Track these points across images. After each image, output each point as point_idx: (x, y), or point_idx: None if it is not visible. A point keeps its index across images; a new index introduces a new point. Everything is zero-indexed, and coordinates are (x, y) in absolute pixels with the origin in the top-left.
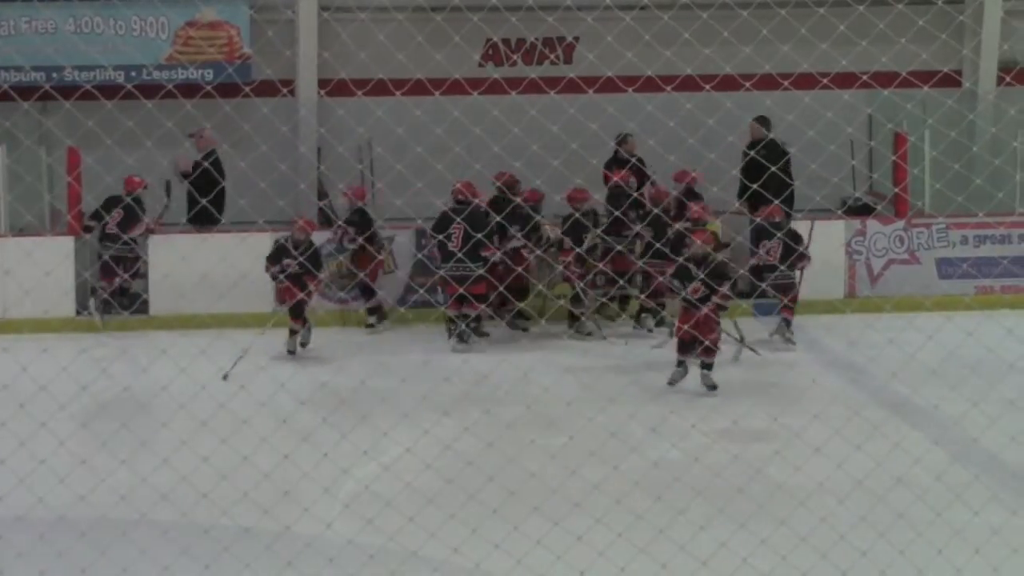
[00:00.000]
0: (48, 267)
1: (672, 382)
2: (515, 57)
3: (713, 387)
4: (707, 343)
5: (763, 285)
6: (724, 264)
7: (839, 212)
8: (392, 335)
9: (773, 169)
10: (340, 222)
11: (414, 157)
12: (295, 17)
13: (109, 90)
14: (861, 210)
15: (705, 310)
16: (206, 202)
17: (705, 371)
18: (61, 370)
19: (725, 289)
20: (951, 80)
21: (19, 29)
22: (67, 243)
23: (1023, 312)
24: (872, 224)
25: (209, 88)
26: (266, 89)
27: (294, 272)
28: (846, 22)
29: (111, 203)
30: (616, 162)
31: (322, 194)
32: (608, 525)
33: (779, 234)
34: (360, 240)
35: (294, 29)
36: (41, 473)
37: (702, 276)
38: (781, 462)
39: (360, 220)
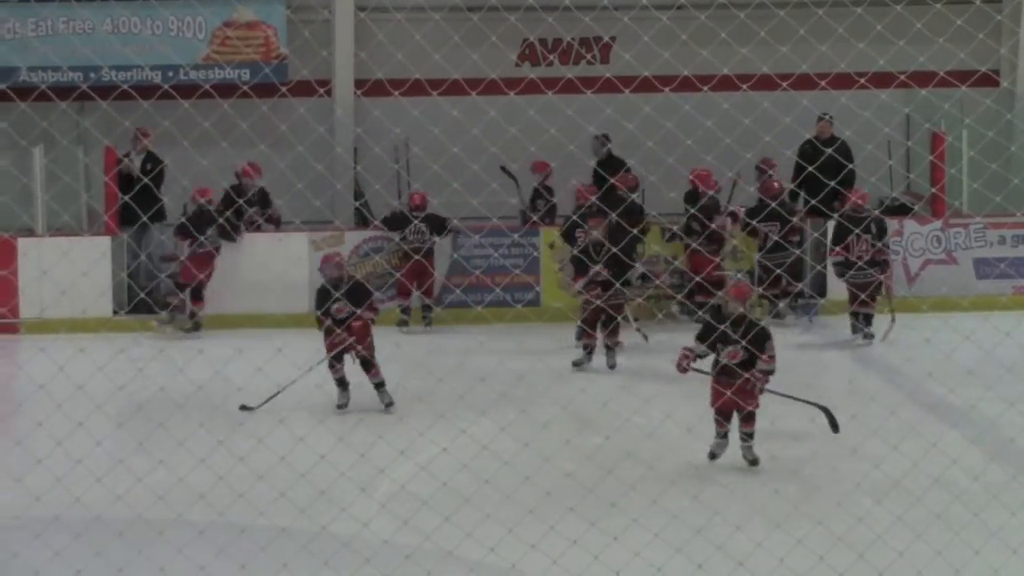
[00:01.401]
0: (85, 267)
1: (713, 456)
2: (552, 57)
3: (755, 462)
4: (748, 410)
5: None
6: (763, 328)
7: (876, 212)
8: (428, 335)
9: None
10: (416, 222)
11: (450, 157)
12: (331, 17)
13: (146, 90)
14: (898, 210)
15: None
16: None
17: (746, 443)
18: (98, 370)
19: (768, 355)
20: (989, 80)
21: (57, 29)
22: (104, 243)
23: None
24: (909, 224)
25: (246, 88)
26: (303, 89)
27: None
28: (883, 22)
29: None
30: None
31: (358, 194)
32: (644, 525)
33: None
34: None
35: (330, 29)
36: (78, 473)
37: (739, 340)
38: (818, 462)
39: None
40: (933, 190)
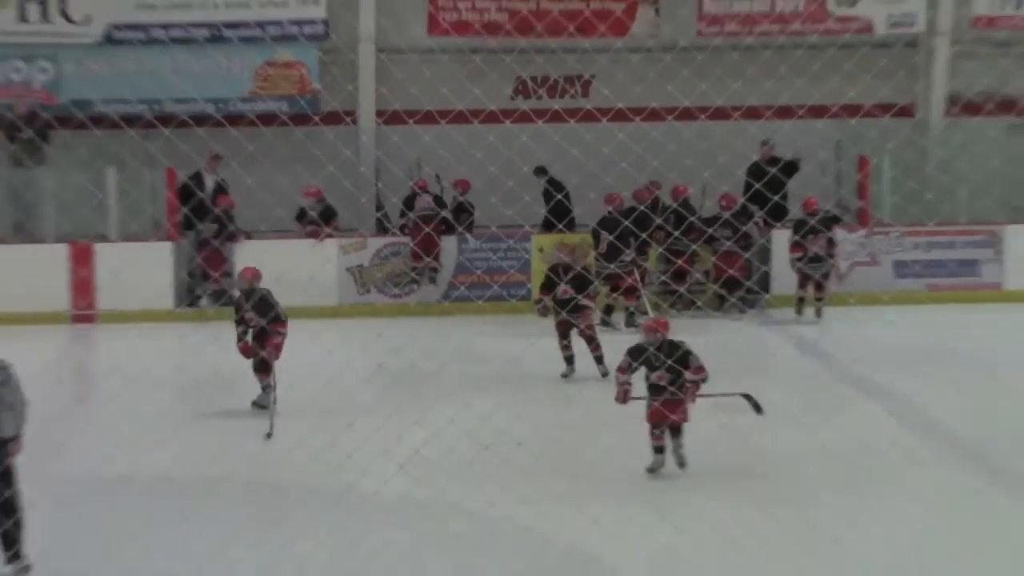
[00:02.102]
0: (150, 268)
1: (652, 471)
2: (541, 92)
3: (682, 464)
4: (678, 424)
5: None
6: (687, 351)
7: (813, 223)
8: (436, 324)
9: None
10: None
11: (456, 175)
12: (356, 58)
13: (201, 119)
14: (831, 220)
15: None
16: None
17: (677, 450)
18: (161, 354)
19: (694, 368)
20: (906, 111)
21: (126, 69)
22: (166, 247)
23: (966, 306)
24: (840, 232)
25: (284, 118)
26: (332, 119)
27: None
28: (817, 63)
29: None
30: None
31: (379, 207)
32: (617, 482)
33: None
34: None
35: (355, 68)
36: (147, 438)
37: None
38: (763, 431)
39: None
40: (860, 204)
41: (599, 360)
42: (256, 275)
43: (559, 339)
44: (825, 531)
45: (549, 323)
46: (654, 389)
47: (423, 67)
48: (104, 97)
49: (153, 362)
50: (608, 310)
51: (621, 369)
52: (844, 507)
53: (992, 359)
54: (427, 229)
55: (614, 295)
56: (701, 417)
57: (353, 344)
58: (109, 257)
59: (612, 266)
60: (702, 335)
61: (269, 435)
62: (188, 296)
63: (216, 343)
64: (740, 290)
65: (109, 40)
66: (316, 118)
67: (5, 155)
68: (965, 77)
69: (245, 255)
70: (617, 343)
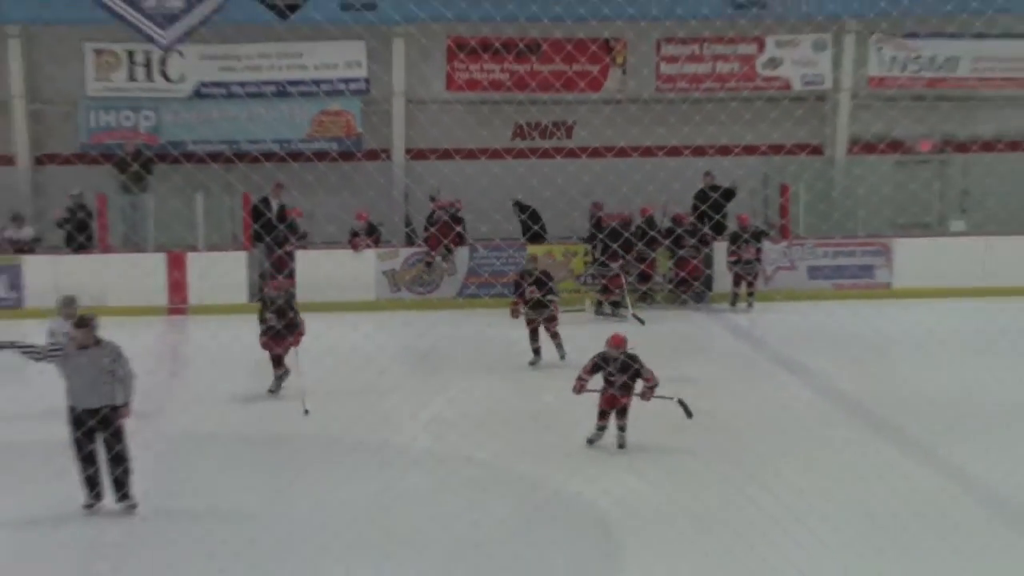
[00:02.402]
0: (229, 271)
1: (590, 442)
2: (534, 134)
3: (622, 446)
4: (623, 405)
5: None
6: (636, 361)
7: (746, 236)
8: (452, 315)
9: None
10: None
11: (468, 199)
12: (390, 108)
13: (269, 156)
14: (759, 234)
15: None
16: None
17: (621, 432)
18: (236, 338)
19: (646, 376)
20: (817, 150)
21: (212, 116)
22: (242, 256)
23: (863, 301)
24: (766, 243)
25: (334, 154)
26: (371, 156)
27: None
28: (749, 112)
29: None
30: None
31: (407, 223)
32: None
33: (749, 237)
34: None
35: (390, 116)
36: (228, 403)
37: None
38: (708, 398)
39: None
40: (782, 221)
41: (559, 346)
42: (280, 287)
43: (529, 334)
44: (754, 475)
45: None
46: (608, 383)
47: (442, 115)
48: (194, 139)
49: (231, 345)
50: (600, 304)
51: (584, 369)
52: (770, 456)
53: (883, 342)
54: (431, 230)
55: (606, 296)
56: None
57: (387, 331)
58: (197, 263)
59: (617, 267)
60: (660, 324)
61: (306, 412)
62: (259, 293)
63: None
64: (690, 289)
65: (198, 94)
66: (359, 155)
67: (117, 184)
68: (862, 124)
69: (306, 262)
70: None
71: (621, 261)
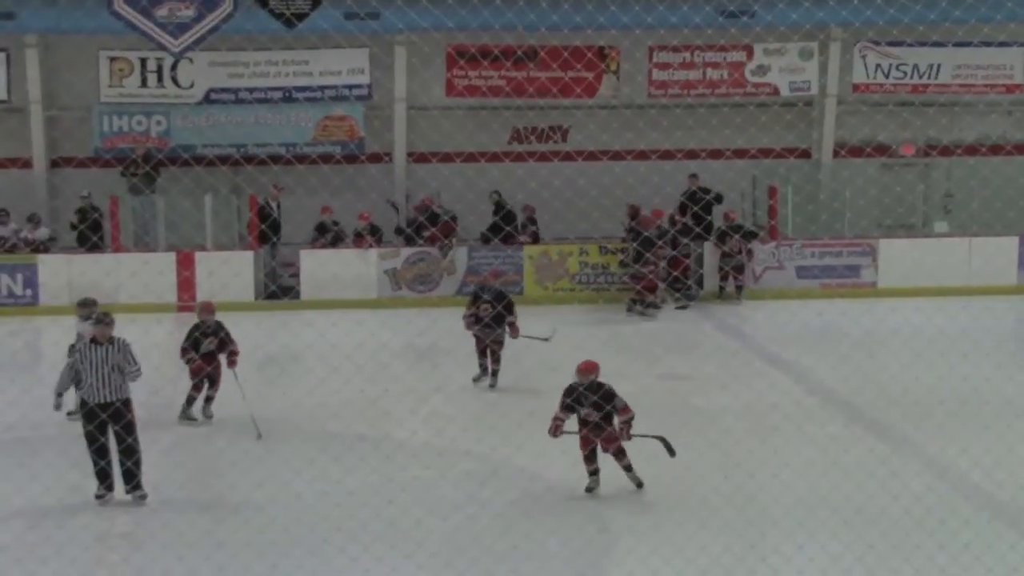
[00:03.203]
0: (237, 270)
1: (590, 490)
2: (531, 138)
3: (640, 485)
4: (611, 451)
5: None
6: (610, 391)
7: (736, 236)
8: (452, 313)
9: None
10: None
11: (467, 201)
12: (392, 113)
13: (275, 159)
14: (749, 235)
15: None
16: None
17: (628, 473)
18: (245, 335)
19: (621, 408)
20: (806, 154)
21: (221, 121)
22: (249, 255)
23: (850, 300)
24: (756, 244)
25: (338, 157)
26: (374, 159)
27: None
28: (740, 117)
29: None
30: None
31: (409, 224)
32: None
33: (738, 236)
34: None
35: (391, 120)
36: (233, 399)
37: (595, 399)
38: (700, 394)
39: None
40: (771, 222)
41: (494, 374)
42: (214, 308)
43: (476, 349)
44: (744, 467)
45: (541, 311)
46: (583, 423)
47: (442, 119)
48: (203, 142)
49: (239, 341)
50: (633, 303)
51: (559, 407)
52: (760, 452)
53: (869, 339)
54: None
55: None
56: (652, 385)
57: (389, 328)
58: (206, 262)
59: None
60: (652, 321)
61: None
62: (264, 291)
63: (285, 328)
64: (683, 287)
65: (208, 100)
66: (362, 158)
67: (128, 185)
68: (849, 128)
69: (308, 260)
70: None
71: (654, 265)
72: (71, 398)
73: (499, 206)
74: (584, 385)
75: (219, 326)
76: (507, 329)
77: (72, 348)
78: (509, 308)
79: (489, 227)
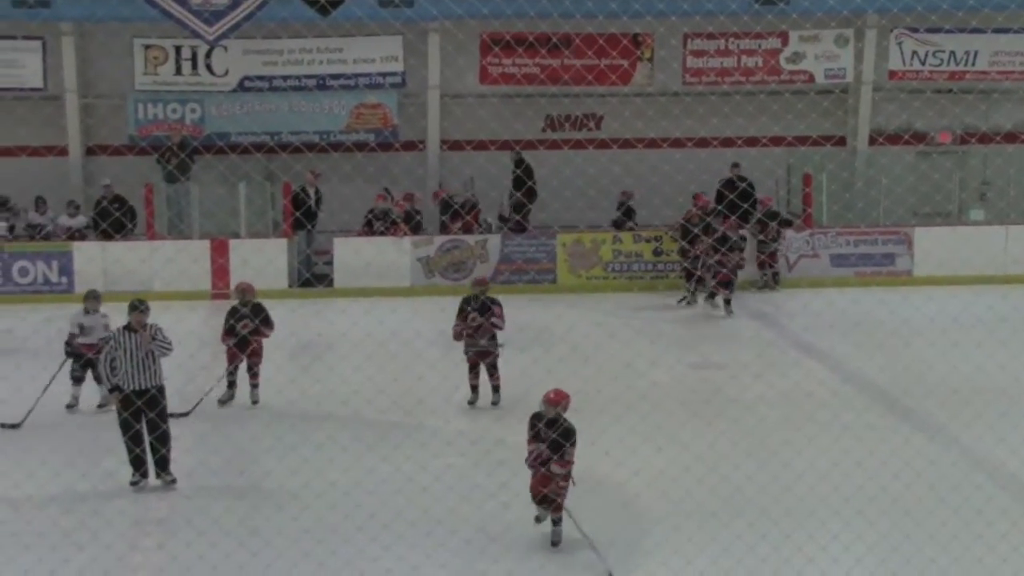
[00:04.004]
0: (271, 257)
1: (538, 520)
2: (565, 125)
3: (556, 543)
4: (550, 498)
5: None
6: (569, 432)
7: (773, 223)
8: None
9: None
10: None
11: (501, 188)
12: (426, 100)
13: (310, 146)
14: (784, 223)
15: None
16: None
17: (555, 527)
18: (279, 322)
19: (564, 460)
20: (842, 141)
21: (255, 109)
22: (283, 243)
23: (885, 288)
24: (790, 232)
25: (372, 145)
26: (408, 146)
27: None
28: (775, 105)
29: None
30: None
31: (443, 212)
32: (624, 423)
33: (775, 223)
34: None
35: (425, 108)
36: (269, 385)
37: (553, 436)
38: (734, 383)
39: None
40: (806, 210)
41: (495, 389)
42: (251, 289)
43: (469, 369)
44: (779, 456)
45: (575, 299)
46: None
47: (476, 107)
48: (238, 130)
49: (278, 327)
50: (711, 295)
51: (528, 439)
52: (796, 441)
53: (905, 328)
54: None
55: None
56: (686, 373)
57: (422, 316)
58: (240, 250)
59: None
60: (687, 310)
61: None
62: (298, 279)
63: (319, 315)
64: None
65: (242, 87)
66: (396, 145)
67: (163, 173)
68: (884, 116)
69: (342, 248)
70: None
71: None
72: (93, 390)
73: (447, 205)
74: (548, 416)
75: (257, 309)
76: (496, 339)
77: (67, 344)
78: (494, 321)
79: (513, 181)
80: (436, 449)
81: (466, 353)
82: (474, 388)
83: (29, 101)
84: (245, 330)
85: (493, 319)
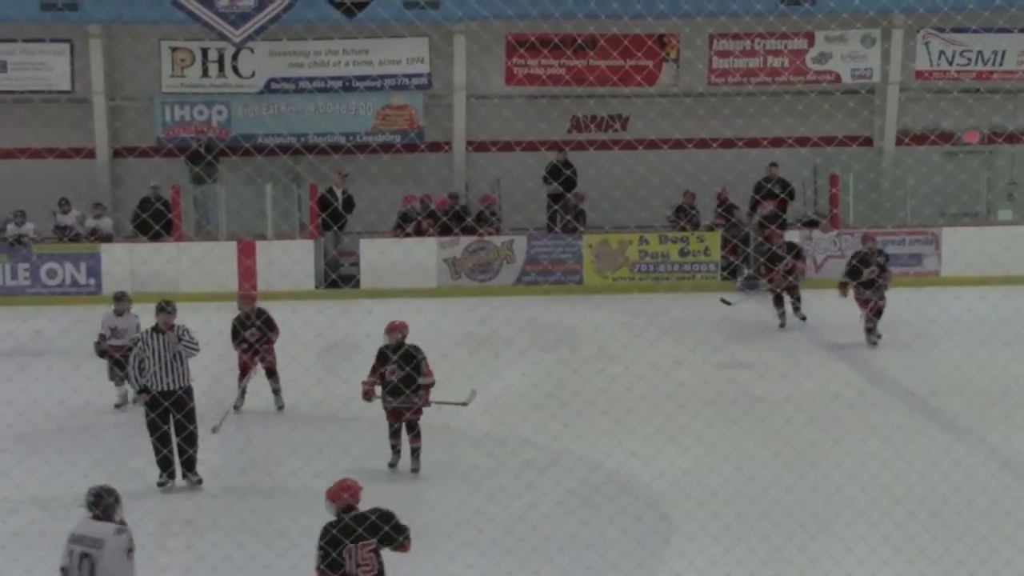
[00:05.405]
0: (297, 258)
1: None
2: (591, 126)
3: (415, 469)
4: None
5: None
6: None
7: (798, 224)
8: (513, 301)
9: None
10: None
11: (527, 189)
12: (452, 101)
13: (336, 148)
14: (810, 223)
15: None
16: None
17: (414, 456)
18: (306, 323)
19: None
20: (868, 142)
21: (281, 110)
22: (309, 244)
23: (913, 288)
24: (816, 232)
25: (398, 146)
26: (434, 148)
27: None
28: (801, 105)
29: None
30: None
31: (467, 213)
32: (650, 423)
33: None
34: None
35: (451, 109)
36: (295, 387)
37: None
38: (760, 384)
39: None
40: (833, 211)
41: (415, 452)
42: (256, 296)
43: (389, 428)
44: (805, 457)
45: (601, 300)
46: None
47: (502, 108)
48: (264, 131)
49: (300, 329)
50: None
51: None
52: (822, 442)
53: (932, 329)
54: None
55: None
56: (713, 373)
57: (448, 317)
58: (267, 251)
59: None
60: (712, 310)
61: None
62: (326, 279)
63: (345, 316)
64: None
65: (268, 89)
66: (422, 147)
67: (190, 175)
68: (911, 116)
69: (371, 249)
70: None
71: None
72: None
73: (406, 219)
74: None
75: (258, 313)
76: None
77: (97, 344)
78: (418, 369)
79: (563, 183)
80: (462, 450)
81: (385, 409)
82: (396, 449)
83: (57, 103)
84: (252, 337)
85: (421, 381)
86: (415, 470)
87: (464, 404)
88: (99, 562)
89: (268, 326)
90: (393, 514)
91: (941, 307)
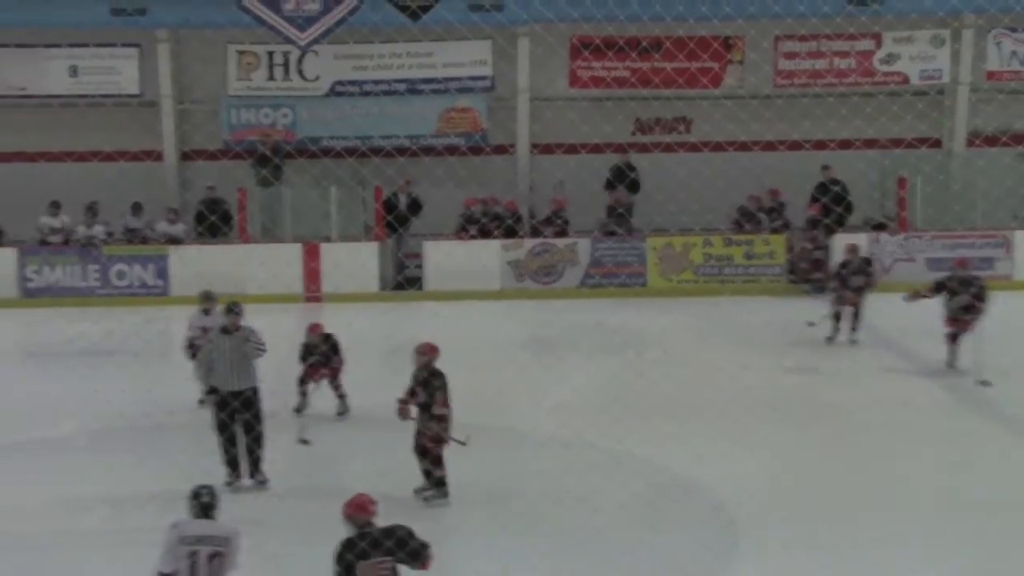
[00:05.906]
0: (363, 260)
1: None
2: (655, 128)
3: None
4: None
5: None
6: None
7: (868, 227)
8: (577, 304)
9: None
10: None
11: (592, 191)
12: (515, 104)
13: (400, 150)
14: (878, 226)
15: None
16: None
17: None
18: (371, 325)
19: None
20: (937, 143)
21: (347, 113)
22: (374, 246)
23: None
24: (884, 235)
25: (463, 148)
26: (498, 150)
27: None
28: (870, 106)
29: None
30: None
31: (532, 215)
32: (716, 427)
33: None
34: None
35: (515, 112)
36: (360, 388)
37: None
38: (829, 388)
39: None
40: (901, 214)
41: (428, 478)
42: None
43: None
44: (872, 463)
45: (665, 303)
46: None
47: (566, 110)
48: (329, 134)
49: (365, 331)
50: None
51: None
52: (888, 445)
53: (1004, 333)
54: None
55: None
56: (779, 377)
57: (513, 319)
58: (332, 253)
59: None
60: (780, 314)
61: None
62: (391, 282)
63: (410, 319)
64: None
65: (334, 92)
66: (486, 149)
67: (256, 177)
68: (982, 117)
69: (435, 251)
70: None
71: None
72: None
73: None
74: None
75: (325, 339)
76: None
77: (191, 344)
78: (432, 396)
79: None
80: (527, 453)
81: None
82: (427, 475)
83: (126, 107)
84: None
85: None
86: (416, 491)
87: (463, 443)
88: (227, 560)
89: (334, 351)
90: (413, 531)
91: (1014, 311)
